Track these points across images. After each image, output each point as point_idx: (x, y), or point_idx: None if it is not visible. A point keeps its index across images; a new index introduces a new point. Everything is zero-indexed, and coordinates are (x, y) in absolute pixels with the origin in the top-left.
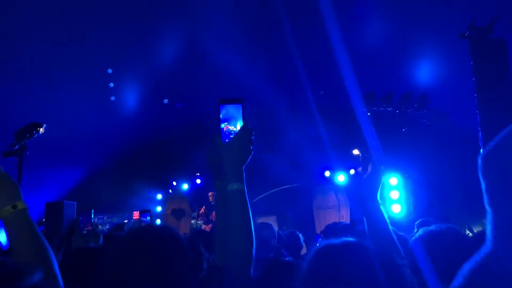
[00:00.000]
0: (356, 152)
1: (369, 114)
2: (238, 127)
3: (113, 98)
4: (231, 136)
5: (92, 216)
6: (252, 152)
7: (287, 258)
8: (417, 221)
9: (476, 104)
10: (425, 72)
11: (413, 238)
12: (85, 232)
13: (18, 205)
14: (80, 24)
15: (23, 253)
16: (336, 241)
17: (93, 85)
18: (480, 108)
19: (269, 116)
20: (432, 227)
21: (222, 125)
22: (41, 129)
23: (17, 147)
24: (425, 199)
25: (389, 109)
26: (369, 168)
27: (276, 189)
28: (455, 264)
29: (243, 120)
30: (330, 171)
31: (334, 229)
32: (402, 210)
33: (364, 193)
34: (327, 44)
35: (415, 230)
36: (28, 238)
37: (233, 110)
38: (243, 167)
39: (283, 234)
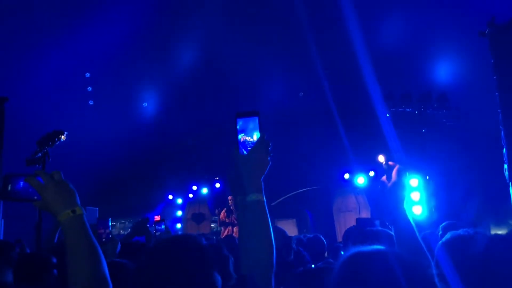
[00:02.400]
0: (381, 159)
1: (388, 115)
2: (255, 137)
3: (145, 105)
4: (249, 148)
5: (110, 224)
6: (270, 163)
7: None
8: (442, 224)
9: (497, 103)
10: (444, 71)
11: (440, 242)
12: (104, 239)
13: (77, 210)
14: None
15: (76, 255)
16: (365, 248)
17: (111, 91)
18: (502, 107)
19: (288, 118)
20: (460, 231)
21: (239, 136)
22: (62, 136)
23: (39, 154)
24: (446, 200)
25: (408, 109)
26: (394, 176)
27: (296, 192)
28: (484, 270)
29: (260, 132)
30: (349, 173)
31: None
32: (424, 211)
33: (390, 203)
34: (346, 45)
35: (440, 232)
36: (83, 241)
37: (249, 122)
38: (262, 178)
39: (305, 238)
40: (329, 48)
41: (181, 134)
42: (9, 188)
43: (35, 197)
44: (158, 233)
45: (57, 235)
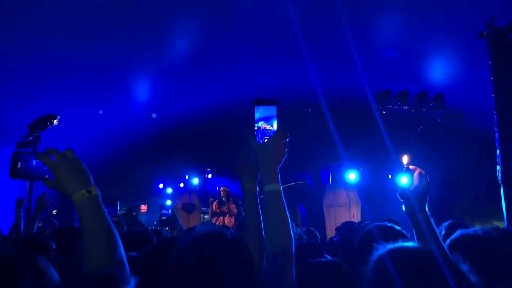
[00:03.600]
0: (405, 160)
1: (384, 112)
2: (275, 126)
3: (154, 116)
4: (266, 137)
5: (118, 207)
6: (287, 154)
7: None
8: (445, 223)
9: (493, 105)
10: (441, 70)
11: (449, 239)
12: None
13: (92, 190)
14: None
15: (93, 237)
16: (402, 245)
17: (106, 80)
18: (497, 109)
19: (280, 111)
20: (469, 230)
21: (259, 124)
22: (54, 120)
23: (31, 138)
24: (440, 199)
25: (404, 107)
26: (415, 180)
27: (285, 185)
28: (493, 268)
29: (278, 122)
30: (340, 168)
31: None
32: None
33: (412, 206)
34: (341, 42)
35: (443, 232)
36: (100, 223)
37: (268, 110)
38: (278, 168)
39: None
40: (323, 43)
41: (173, 123)
42: (19, 166)
43: (47, 176)
44: (163, 217)
45: (36, 225)
